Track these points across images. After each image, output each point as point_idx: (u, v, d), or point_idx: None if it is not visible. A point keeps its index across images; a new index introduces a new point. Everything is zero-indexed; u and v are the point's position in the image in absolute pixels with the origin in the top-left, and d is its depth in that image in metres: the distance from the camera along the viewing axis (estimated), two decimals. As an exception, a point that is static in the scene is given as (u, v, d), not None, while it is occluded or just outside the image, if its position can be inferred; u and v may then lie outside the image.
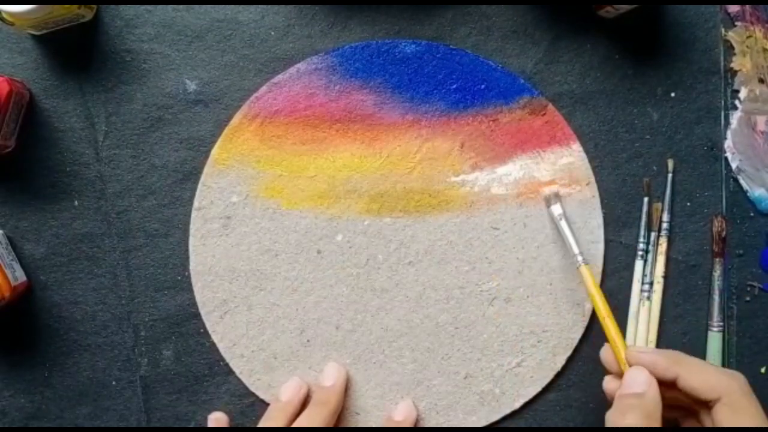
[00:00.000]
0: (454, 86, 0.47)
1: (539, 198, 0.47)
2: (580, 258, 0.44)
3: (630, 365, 0.41)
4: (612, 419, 0.38)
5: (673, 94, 0.48)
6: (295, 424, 0.43)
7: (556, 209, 0.46)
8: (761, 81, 0.48)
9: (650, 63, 0.48)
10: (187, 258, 0.47)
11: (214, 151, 0.47)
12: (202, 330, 0.47)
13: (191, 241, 0.47)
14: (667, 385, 0.39)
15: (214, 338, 0.47)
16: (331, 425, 0.44)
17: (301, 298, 0.47)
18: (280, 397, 0.45)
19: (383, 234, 0.47)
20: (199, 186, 0.47)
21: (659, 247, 0.48)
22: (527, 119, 0.47)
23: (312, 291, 0.47)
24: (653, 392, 0.38)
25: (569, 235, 0.45)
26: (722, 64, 0.48)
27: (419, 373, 0.47)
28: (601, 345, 0.48)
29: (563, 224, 0.45)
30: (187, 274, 0.47)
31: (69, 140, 0.47)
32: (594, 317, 0.47)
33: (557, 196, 0.46)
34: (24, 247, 0.47)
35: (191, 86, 0.47)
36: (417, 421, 0.46)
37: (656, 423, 0.37)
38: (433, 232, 0.47)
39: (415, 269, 0.47)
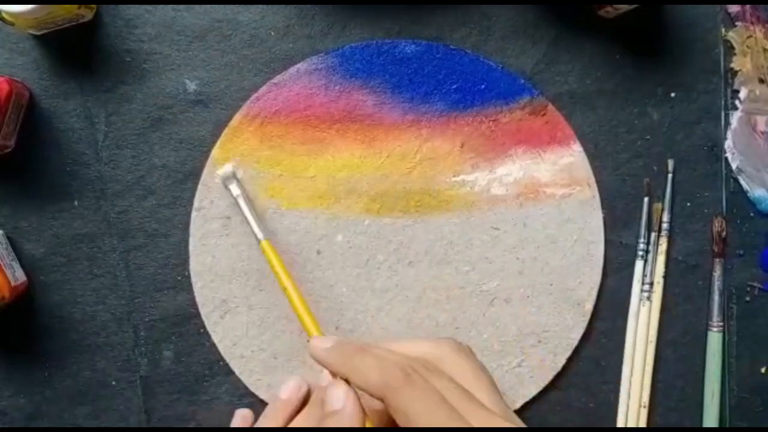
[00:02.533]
0: (454, 86, 0.47)
1: (538, 198, 0.47)
2: (260, 235, 0.44)
3: (312, 356, 0.39)
4: None
5: (673, 94, 0.48)
6: (292, 424, 0.43)
7: (234, 189, 0.45)
8: (761, 81, 0.48)
9: (650, 63, 0.48)
10: (187, 258, 0.47)
11: (214, 151, 0.47)
12: (202, 330, 0.47)
13: (191, 241, 0.47)
14: None
15: (214, 338, 0.47)
16: (328, 425, 0.44)
17: (301, 298, 0.47)
18: (279, 395, 0.45)
19: (383, 234, 0.47)
20: (199, 186, 0.47)
21: (659, 247, 0.48)
22: (527, 119, 0.47)
23: (312, 291, 0.47)
24: (350, 406, 0.36)
25: (249, 213, 0.44)
26: (722, 64, 0.48)
27: (419, 373, 0.47)
28: (601, 345, 0.48)
29: (242, 203, 0.45)
30: (187, 274, 0.47)
31: (69, 140, 0.47)
32: (594, 317, 0.47)
33: (234, 176, 0.45)
34: (24, 247, 0.47)
35: (191, 86, 0.47)
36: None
37: None
38: (433, 232, 0.47)
39: (415, 269, 0.47)
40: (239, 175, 0.46)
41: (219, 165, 0.46)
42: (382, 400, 0.35)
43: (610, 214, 0.48)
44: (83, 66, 0.47)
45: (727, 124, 0.48)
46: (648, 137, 0.48)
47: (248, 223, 0.44)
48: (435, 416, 0.33)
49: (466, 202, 0.47)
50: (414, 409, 0.33)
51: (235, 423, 0.46)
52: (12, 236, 0.47)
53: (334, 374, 0.38)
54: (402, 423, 0.34)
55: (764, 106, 0.48)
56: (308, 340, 0.40)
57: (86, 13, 0.46)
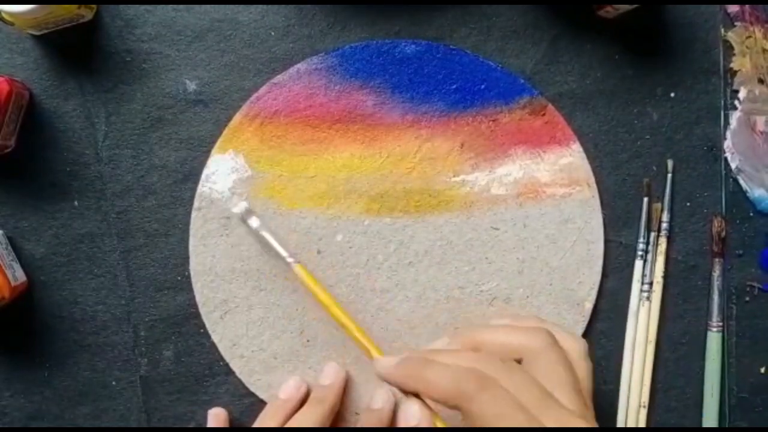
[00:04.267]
0: (454, 86, 0.47)
1: (538, 198, 0.47)
2: (291, 259, 0.44)
3: (380, 377, 0.39)
4: None
5: (673, 94, 0.48)
6: (290, 423, 0.43)
7: (254, 222, 0.45)
8: (761, 81, 0.48)
9: (650, 63, 0.48)
10: (187, 258, 0.47)
11: (215, 152, 0.47)
12: (202, 330, 0.47)
13: (191, 241, 0.47)
14: None
15: (214, 338, 0.47)
16: (327, 425, 0.44)
17: (301, 298, 0.47)
18: (279, 395, 0.45)
19: (383, 234, 0.47)
20: (199, 186, 0.47)
21: (659, 247, 0.48)
22: (527, 119, 0.47)
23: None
24: (425, 421, 0.37)
25: (275, 243, 0.45)
26: (722, 64, 0.48)
27: (419, 373, 0.47)
28: (601, 345, 0.48)
29: (266, 234, 0.45)
30: (187, 274, 0.47)
31: (69, 140, 0.47)
32: (594, 317, 0.47)
33: (249, 211, 0.46)
34: (24, 247, 0.47)
35: (191, 86, 0.47)
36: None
37: None
38: (433, 232, 0.47)
39: (415, 269, 0.47)
40: (254, 210, 0.46)
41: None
42: (457, 408, 0.35)
43: (610, 214, 0.48)
44: (83, 66, 0.47)
45: (727, 124, 0.48)
46: (648, 137, 0.48)
47: (278, 252, 0.45)
48: (509, 421, 0.33)
49: (466, 202, 0.47)
50: (489, 416, 0.33)
51: (210, 423, 0.47)
52: (12, 236, 0.47)
53: (405, 392, 0.38)
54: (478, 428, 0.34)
55: (763, 106, 0.48)
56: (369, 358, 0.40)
57: (86, 13, 0.46)
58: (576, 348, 0.39)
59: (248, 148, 0.47)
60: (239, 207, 0.46)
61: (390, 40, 0.47)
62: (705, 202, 0.48)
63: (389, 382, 0.38)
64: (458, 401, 0.34)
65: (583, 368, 0.38)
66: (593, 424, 0.36)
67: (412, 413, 0.37)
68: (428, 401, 0.37)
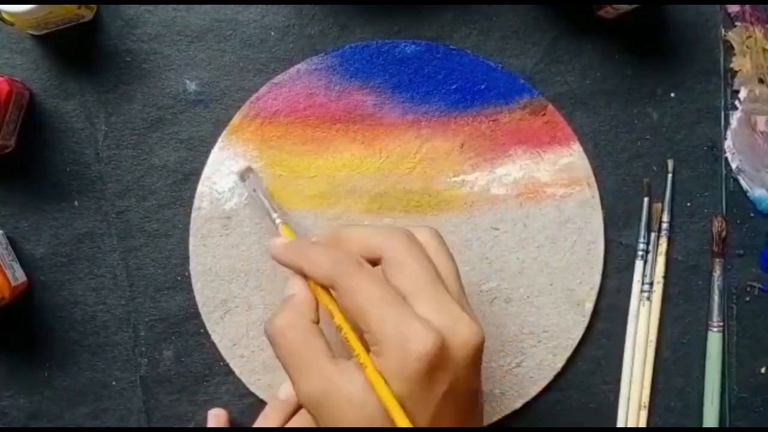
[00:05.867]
0: (454, 86, 0.47)
1: (538, 198, 0.47)
2: (278, 220, 0.43)
3: (272, 256, 0.39)
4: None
5: (673, 95, 0.48)
6: (290, 423, 0.43)
7: (250, 184, 0.45)
8: (761, 81, 0.48)
9: (650, 63, 0.48)
10: (187, 258, 0.47)
11: (214, 152, 0.47)
12: (202, 330, 0.47)
13: (191, 241, 0.47)
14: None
15: (214, 338, 0.47)
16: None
17: (301, 298, 0.47)
18: (279, 395, 0.45)
19: (383, 234, 0.47)
20: (199, 186, 0.47)
21: (659, 248, 0.48)
22: (527, 119, 0.47)
23: (312, 291, 0.47)
24: (303, 292, 0.37)
25: (266, 202, 0.44)
26: (722, 64, 0.48)
27: (419, 373, 0.47)
28: (601, 345, 0.48)
29: (260, 195, 0.44)
30: (187, 274, 0.47)
31: (69, 140, 0.47)
32: (594, 317, 0.47)
33: (249, 170, 0.45)
34: (24, 247, 0.47)
35: (191, 86, 0.47)
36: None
37: (308, 318, 0.36)
38: (433, 232, 0.47)
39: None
40: (254, 167, 0.46)
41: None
42: (333, 288, 0.34)
43: (610, 214, 0.48)
44: (83, 66, 0.47)
45: (727, 124, 0.48)
46: (648, 137, 0.48)
47: (268, 212, 0.43)
48: (380, 301, 0.33)
49: (466, 202, 0.47)
50: (361, 293, 0.33)
51: (210, 424, 0.47)
52: (12, 236, 0.47)
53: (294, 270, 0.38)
54: (350, 310, 0.33)
55: (764, 106, 0.48)
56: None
57: (86, 13, 0.46)
58: (431, 239, 0.38)
59: (248, 149, 0.47)
60: (239, 165, 0.46)
61: (390, 40, 0.47)
62: (705, 202, 0.48)
63: (279, 261, 0.39)
64: (335, 278, 0.34)
65: (444, 254, 0.37)
66: (468, 309, 0.35)
67: (291, 284, 0.37)
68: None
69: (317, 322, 0.36)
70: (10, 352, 0.47)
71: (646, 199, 0.48)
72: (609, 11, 0.46)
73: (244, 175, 0.45)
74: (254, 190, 0.45)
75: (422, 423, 0.32)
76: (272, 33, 0.47)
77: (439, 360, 0.31)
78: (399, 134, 0.47)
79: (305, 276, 0.37)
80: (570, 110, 0.48)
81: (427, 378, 0.31)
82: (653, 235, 0.48)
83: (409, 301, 0.33)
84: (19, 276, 0.46)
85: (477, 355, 0.33)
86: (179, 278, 0.47)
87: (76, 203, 0.47)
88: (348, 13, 0.47)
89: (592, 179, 0.47)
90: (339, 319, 0.35)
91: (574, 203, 0.47)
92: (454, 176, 0.47)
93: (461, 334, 0.32)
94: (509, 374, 0.47)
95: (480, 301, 0.47)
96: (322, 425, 0.33)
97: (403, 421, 0.31)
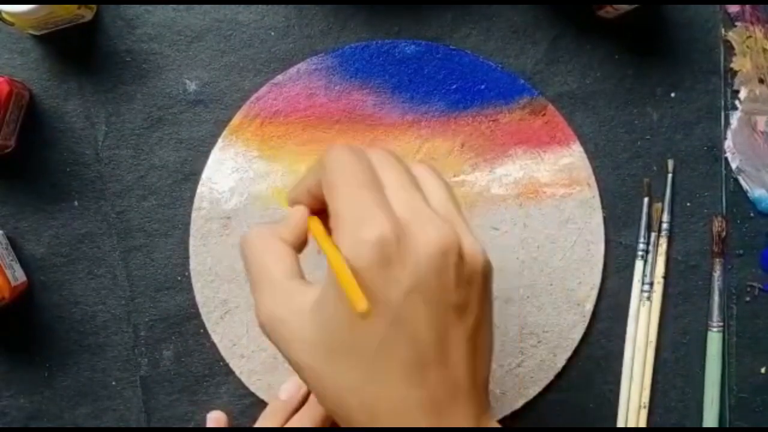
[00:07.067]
0: (454, 86, 0.47)
1: (538, 198, 0.47)
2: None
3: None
4: None
5: (673, 95, 0.48)
6: (291, 423, 0.44)
7: None
8: (761, 81, 0.48)
9: (650, 63, 0.48)
10: (187, 258, 0.47)
11: (215, 152, 0.47)
12: (202, 330, 0.47)
13: (191, 241, 0.47)
14: None
15: (214, 338, 0.47)
16: (327, 425, 0.44)
17: (301, 298, 0.47)
18: (279, 396, 0.45)
19: (383, 234, 0.47)
20: (199, 186, 0.47)
21: (659, 248, 0.48)
22: (527, 119, 0.47)
23: (312, 291, 0.47)
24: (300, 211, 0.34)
25: None
26: (722, 64, 0.48)
27: (419, 373, 0.47)
28: (601, 345, 0.48)
29: None
30: (187, 274, 0.47)
31: (69, 140, 0.47)
32: (594, 317, 0.47)
33: None
34: (24, 247, 0.47)
35: (191, 86, 0.47)
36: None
37: (281, 236, 0.33)
38: (433, 232, 0.47)
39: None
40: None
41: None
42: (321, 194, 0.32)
43: (610, 214, 0.48)
44: (83, 66, 0.47)
45: (727, 124, 0.48)
46: (648, 137, 0.48)
47: None
48: (355, 177, 0.30)
49: (466, 202, 0.47)
50: (338, 167, 0.31)
51: (209, 425, 0.46)
52: (12, 236, 0.47)
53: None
54: (325, 184, 0.31)
55: (764, 106, 0.48)
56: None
57: (86, 13, 0.46)
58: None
59: (248, 149, 0.47)
60: None
61: (390, 40, 0.47)
62: (705, 202, 0.48)
63: (289, 202, 0.36)
64: (324, 157, 0.31)
65: (435, 176, 0.34)
66: (461, 225, 0.31)
67: (292, 212, 0.34)
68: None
69: (296, 250, 0.33)
70: (10, 352, 0.47)
71: (646, 199, 0.48)
72: (609, 11, 0.46)
73: None
74: None
75: (386, 320, 0.28)
76: (272, 33, 0.47)
77: (392, 250, 0.28)
78: (399, 134, 0.47)
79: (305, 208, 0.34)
80: (570, 110, 0.48)
81: (381, 269, 0.28)
82: (653, 235, 0.48)
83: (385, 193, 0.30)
84: (19, 276, 0.46)
85: (443, 256, 0.29)
86: (179, 278, 0.47)
87: (76, 203, 0.47)
88: (348, 13, 0.47)
89: (592, 179, 0.47)
90: (315, 233, 0.33)
91: (574, 203, 0.47)
92: (454, 176, 0.47)
93: (425, 230, 0.29)
94: (510, 374, 0.47)
95: (480, 301, 0.47)
96: (277, 347, 0.31)
97: (356, 294, 0.27)
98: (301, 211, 0.34)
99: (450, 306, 0.30)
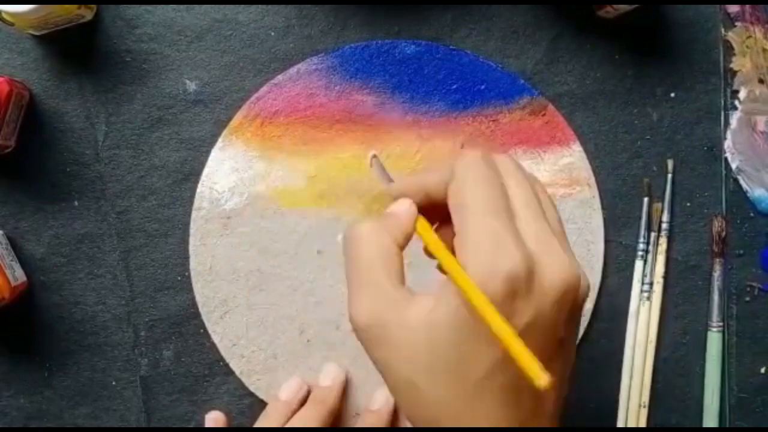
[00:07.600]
0: (454, 87, 0.47)
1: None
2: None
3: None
4: None
5: (673, 95, 0.48)
6: (290, 423, 0.44)
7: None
8: (761, 81, 0.48)
9: (650, 63, 0.48)
10: (187, 258, 0.47)
11: (215, 152, 0.47)
12: (202, 330, 0.47)
13: (191, 241, 0.47)
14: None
15: (214, 338, 0.47)
16: (327, 425, 0.44)
17: (301, 298, 0.47)
18: (279, 396, 0.45)
19: (383, 234, 0.47)
20: (199, 186, 0.47)
21: (659, 248, 0.48)
22: (527, 119, 0.47)
23: (312, 291, 0.47)
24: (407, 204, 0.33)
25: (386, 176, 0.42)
26: (722, 64, 0.48)
27: (419, 373, 0.47)
28: (601, 345, 0.48)
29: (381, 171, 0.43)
30: (187, 274, 0.47)
31: (69, 140, 0.47)
32: (594, 317, 0.47)
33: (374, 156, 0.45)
34: (24, 247, 0.47)
35: (191, 86, 0.47)
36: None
37: (392, 237, 0.32)
38: (433, 232, 0.47)
39: (415, 269, 0.47)
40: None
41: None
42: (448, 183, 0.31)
43: (610, 214, 0.48)
44: (83, 66, 0.47)
45: (727, 124, 0.48)
46: (648, 137, 0.48)
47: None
48: (486, 202, 0.30)
49: (466, 202, 0.47)
50: (469, 187, 0.30)
51: (208, 426, 0.46)
52: (12, 236, 0.47)
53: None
54: (451, 199, 0.31)
55: (764, 106, 0.48)
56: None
57: (86, 13, 0.46)
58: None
59: (248, 149, 0.47)
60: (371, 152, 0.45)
61: (390, 41, 0.47)
62: (705, 202, 0.48)
63: (396, 193, 0.34)
64: (454, 165, 0.31)
65: (543, 190, 0.34)
66: (568, 249, 0.32)
67: (396, 204, 0.33)
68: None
69: (402, 249, 0.32)
70: (10, 352, 0.47)
71: (646, 199, 0.48)
72: (609, 11, 0.46)
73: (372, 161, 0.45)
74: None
75: (501, 350, 0.28)
76: (272, 33, 0.47)
77: (521, 285, 0.28)
78: (399, 134, 0.47)
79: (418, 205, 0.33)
80: (570, 110, 0.48)
81: (508, 301, 0.28)
82: (653, 235, 0.48)
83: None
84: (19, 276, 0.46)
85: (566, 294, 0.29)
86: (179, 278, 0.47)
87: (76, 203, 0.47)
88: (348, 13, 0.47)
89: (592, 179, 0.47)
90: (434, 247, 0.32)
91: (574, 203, 0.47)
92: (454, 176, 0.47)
93: (553, 266, 0.29)
94: (509, 374, 0.47)
95: (480, 301, 0.47)
96: (370, 353, 0.30)
97: (498, 324, 0.27)
98: (410, 210, 0.33)
99: (556, 340, 0.30)
